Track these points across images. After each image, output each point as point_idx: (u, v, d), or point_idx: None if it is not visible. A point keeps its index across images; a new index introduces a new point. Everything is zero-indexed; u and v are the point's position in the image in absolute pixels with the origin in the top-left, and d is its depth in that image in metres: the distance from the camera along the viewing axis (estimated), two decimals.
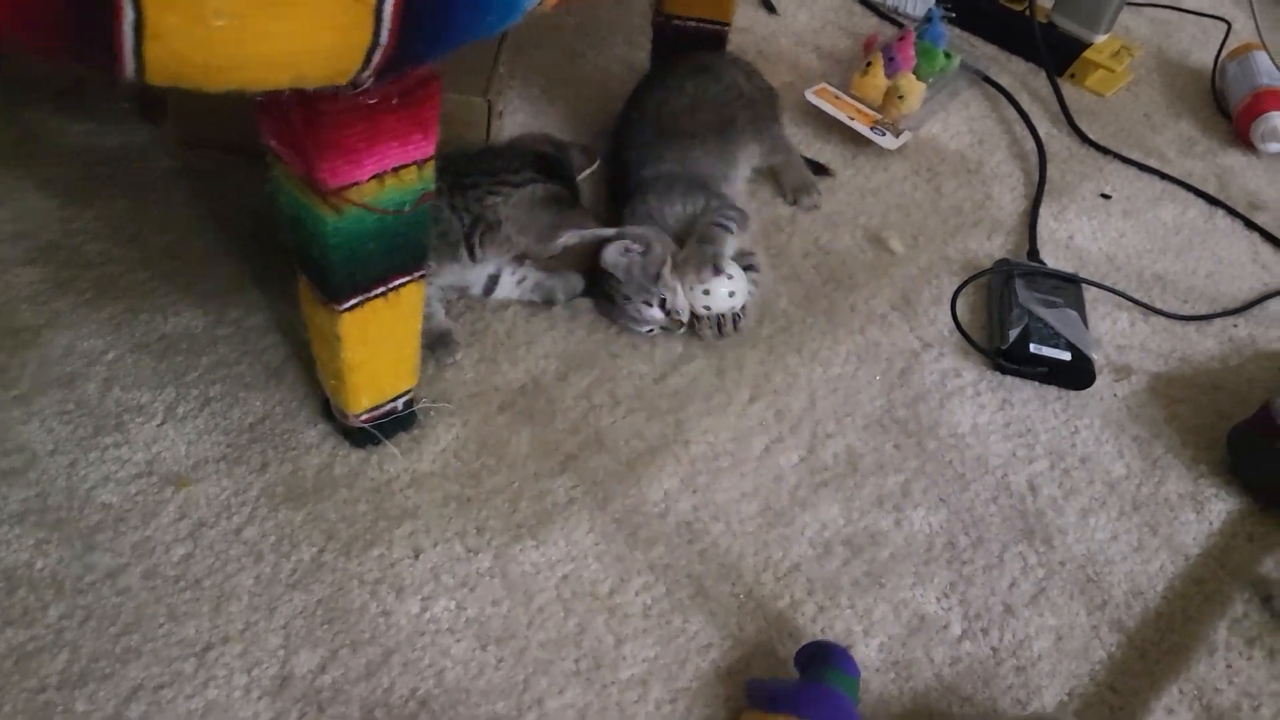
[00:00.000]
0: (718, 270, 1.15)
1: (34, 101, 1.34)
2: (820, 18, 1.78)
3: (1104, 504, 1.12)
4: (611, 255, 1.14)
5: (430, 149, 0.86)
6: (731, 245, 1.20)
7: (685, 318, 1.17)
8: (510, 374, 1.14)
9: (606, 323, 1.21)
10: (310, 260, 0.89)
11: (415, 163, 0.85)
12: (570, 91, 1.54)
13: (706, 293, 1.16)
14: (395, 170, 0.85)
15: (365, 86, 0.77)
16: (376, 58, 0.72)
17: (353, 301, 0.91)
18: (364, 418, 1.01)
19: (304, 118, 0.79)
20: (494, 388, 1.13)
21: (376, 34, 0.69)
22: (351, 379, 0.97)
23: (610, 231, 1.05)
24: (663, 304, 1.15)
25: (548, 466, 1.06)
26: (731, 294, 1.17)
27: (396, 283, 0.92)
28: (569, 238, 1.04)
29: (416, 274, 0.94)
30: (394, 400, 1.02)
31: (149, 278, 1.17)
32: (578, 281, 1.20)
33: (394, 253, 0.90)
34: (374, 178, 0.84)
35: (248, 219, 1.23)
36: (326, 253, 0.86)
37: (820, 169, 1.46)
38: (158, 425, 1.03)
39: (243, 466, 1.01)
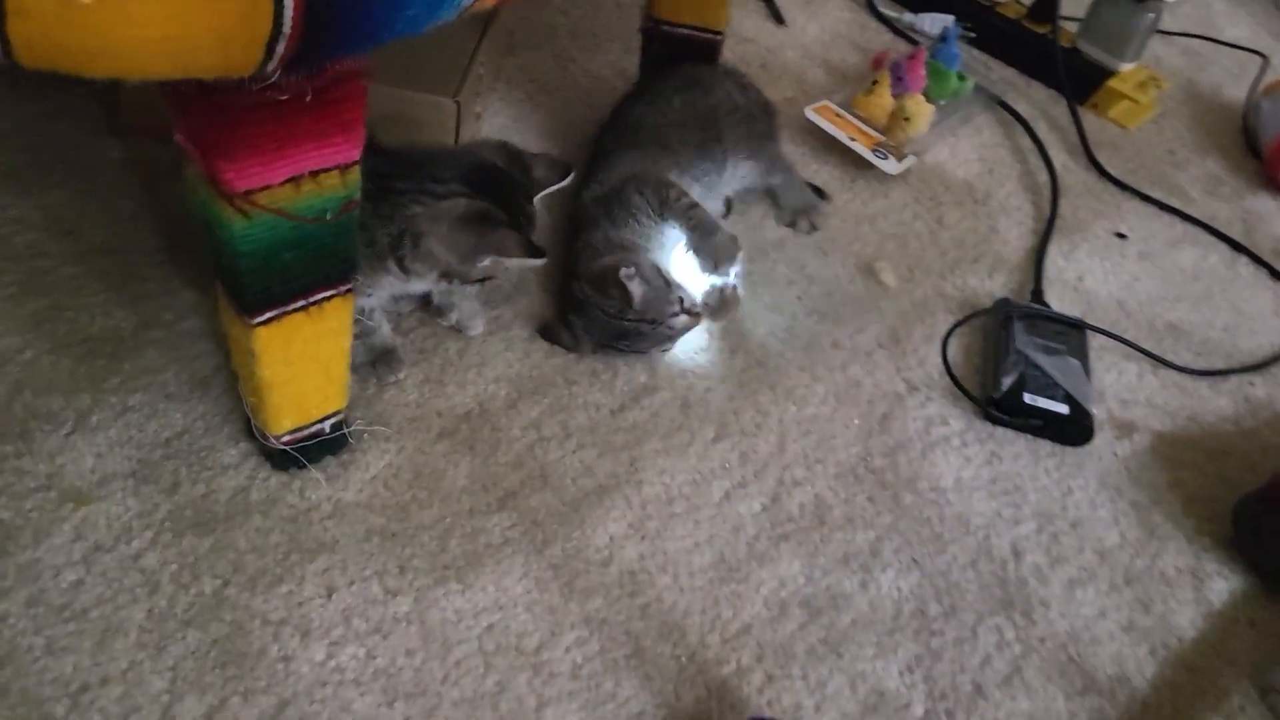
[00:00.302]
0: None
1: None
2: (830, 31, 1.70)
3: (1093, 575, 1.02)
4: (640, 289, 1.06)
5: (354, 153, 0.78)
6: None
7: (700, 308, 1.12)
8: (456, 398, 1.06)
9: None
10: (223, 269, 0.82)
11: (337, 167, 0.78)
12: (557, 98, 1.46)
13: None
14: (314, 175, 0.77)
15: (273, 81, 0.69)
16: (280, 49, 0.64)
17: (269, 315, 0.83)
18: (286, 439, 0.93)
19: (206, 113, 0.71)
20: (436, 412, 1.04)
21: (278, 23, 0.61)
22: (271, 398, 0.89)
23: (538, 261, 0.94)
24: (682, 305, 1.08)
25: (484, 502, 0.98)
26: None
27: (319, 296, 0.84)
28: (490, 263, 0.95)
29: (342, 288, 0.86)
30: (320, 422, 0.94)
31: (81, 274, 1.09)
32: None
33: (315, 264, 0.82)
34: (289, 181, 0.76)
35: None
36: (236, 261, 0.79)
37: (816, 192, 1.37)
38: (65, 435, 0.95)
39: (151, 485, 0.93)
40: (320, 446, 0.96)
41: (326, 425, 0.95)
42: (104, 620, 0.84)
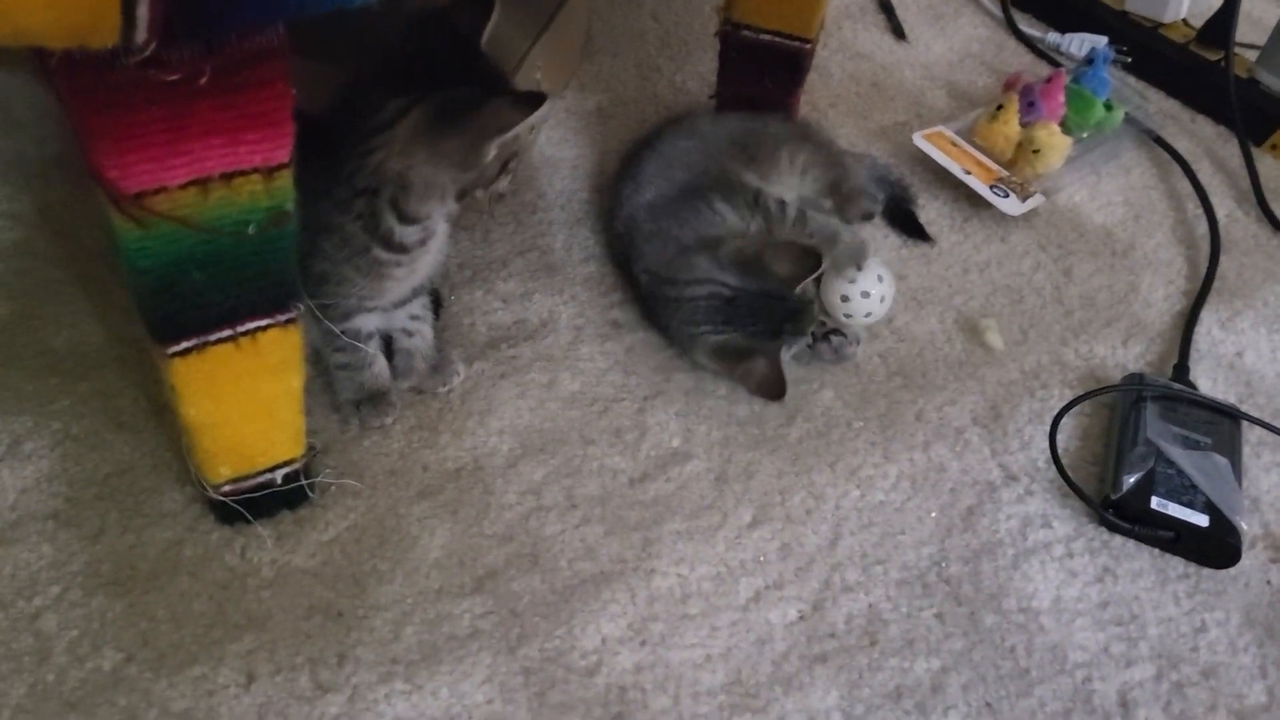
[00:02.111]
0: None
1: (11, 64, 1.18)
2: (959, 49, 1.48)
3: None
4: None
5: (278, 153, 0.63)
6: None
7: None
8: (448, 450, 0.90)
9: (591, 398, 0.96)
10: (129, 287, 0.68)
11: (256, 170, 0.63)
12: (632, 111, 1.29)
13: (866, 295, 1.02)
14: (225, 178, 0.62)
15: (150, 55, 0.54)
16: (142, 10, 0.49)
17: (185, 345, 0.69)
18: (225, 490, 0.79)
19: (85, 97, 0.57)
20: (421, 465, 0.89)
21: None
22: (202, 443, 0.75)
23: (544, 109, 0.73)
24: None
25: (458, 582, 0.81)
26: (882, 299, 1.03)
27: (248, 326, 0.70)
28: (497, 147, 0.75)
29: (280, 317, 0.71)
30: (267, 472, 0.80)
31: (63, 279, 0.98)
32: None
33: (237, 287, 0.68)
34: (193, 184, 0.62)
35: None
36: (134, 279, 0.65)
37: (916, 231, 1.16)
38: None
39: (73, 530, 0.80)
40: (271, 499, 0.82)
41: (278, 475, 0.80)
42: None
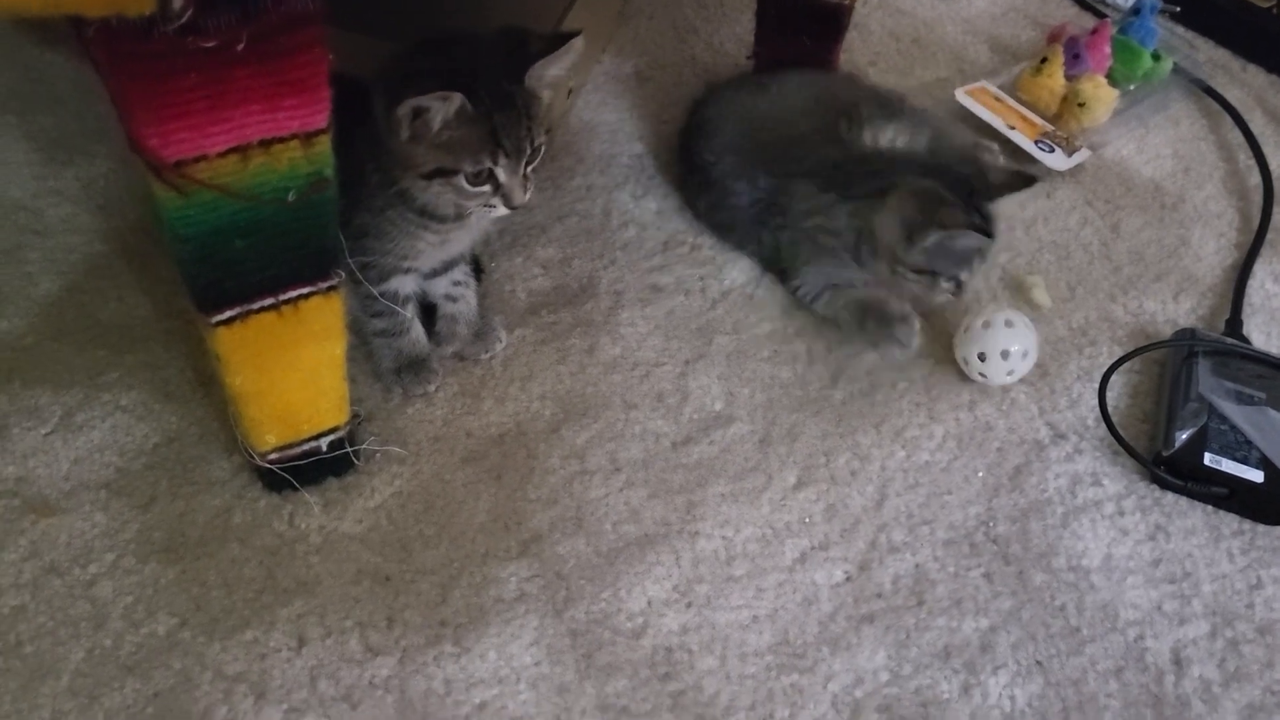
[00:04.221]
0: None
1: (53, 41, 1.19)
2: (1002, 3, 1.45)
3: None
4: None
5: (317, 119, 0.63)
6: None
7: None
8: (491, 416, 0.90)
9: (632, 362, 0.95)
10: (173, 256, 0.68)
11: (295, 136, 0.63)
12: (669, 74, 1.28)
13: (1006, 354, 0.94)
14: (264, 145, 0.62)
15: (187, 22, 0.54)
16: None
17: (229, 314, 0.69)
18: (272, 458, 0.80)
19: (124, 66, 0.57)
20: (465, 432, 0.89)
21: None
22: (248, 411, 0.76)
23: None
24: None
25: (503, 545, 0.82)
26: (1025, 354, 0.95)
27: (291, 294, 0.70)
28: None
29: (322, 285, 0.71)
30: (314, 439, 0.80)
31: (106, 253, 1.00)
32: None
33: (279, 255, 0.68)
34: (233, 152, 0.62)
35: None
36: (179, 248, 0.65)
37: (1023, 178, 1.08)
38: (45, 434, 0.85)
39: (125, 499, 0.81)
40: (317, 467, 0.82)
41: (323, 443, 0.81)
42: (38, 658, 0.73)
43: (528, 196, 0.79)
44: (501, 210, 0.80)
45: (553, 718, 0.73)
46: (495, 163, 0.76)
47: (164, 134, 0.59)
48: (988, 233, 0.91)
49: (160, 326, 0.93)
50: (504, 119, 0.75)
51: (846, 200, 0.94)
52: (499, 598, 0.79)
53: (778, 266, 1.03)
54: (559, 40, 0.77)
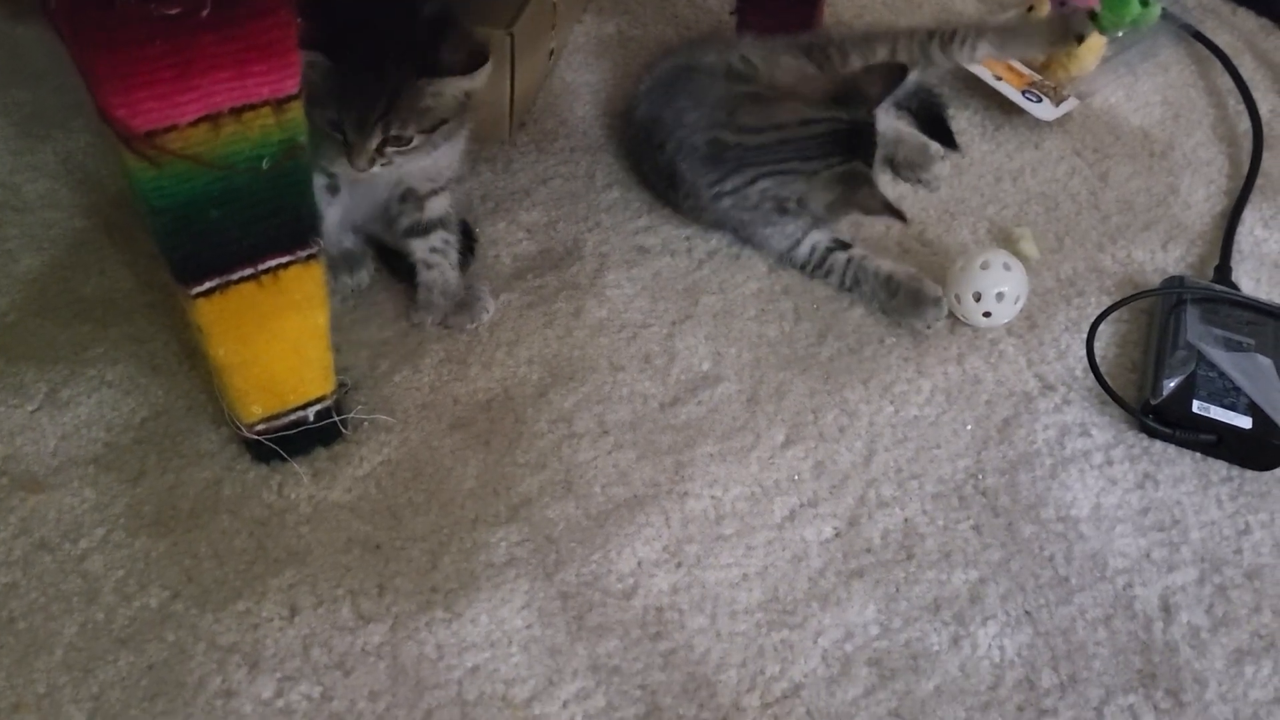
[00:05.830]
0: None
1: (24, 14, 1.18)
2: None
3: (1271, 646, 0.78)
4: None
5: (290, 85, 0.63)
6: None
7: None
8: (478, 381, 0.90)
9: (619, 324, 0.95)
10: (149, 229, 0.68)
11: (266, 103, 0.62)
12: (651, 33, 1.27)
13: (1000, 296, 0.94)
14: (235, 112, 0.62)
15: None
16: None
17: (208, 285, 0.69)
18: (259, 429, 0.80)
19: (88, 35, 0.56)
20: (453, 398, 0.89)
21: None
22: (232, 382, 0.76)
23: None
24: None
25: (492, 511, 0.82)
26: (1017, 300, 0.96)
27: (269, 264, 0.70)
28: None
29: (301, 253, 0.71)
30: (300, 409, 0.80)
31: (87, 228, 0.99)
32: None
33: (255, 224, 0.67)
34: (204, 121, 0.61)
35: None
36: (152, 220, 0.65)
37: (946, 138, 1.13)
38: (31, 411, 0.85)
39: (114, 474, 0.81)
40: (305, 437, 0.82)
41: (310, 413, 0.81)
42: (31, 633, 0.73)
43: (371, 169, 0.81)
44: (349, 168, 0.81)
45: (545, 679, 0.73)
46: (341, 119, 0.78)
47: (132, 104, 0.58)
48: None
49: (144, 300, 0.93)
50: (362, 89, 0.77)
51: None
52: (489, 562, 0.79)
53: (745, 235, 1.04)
54: (470, 61, 0.79)
